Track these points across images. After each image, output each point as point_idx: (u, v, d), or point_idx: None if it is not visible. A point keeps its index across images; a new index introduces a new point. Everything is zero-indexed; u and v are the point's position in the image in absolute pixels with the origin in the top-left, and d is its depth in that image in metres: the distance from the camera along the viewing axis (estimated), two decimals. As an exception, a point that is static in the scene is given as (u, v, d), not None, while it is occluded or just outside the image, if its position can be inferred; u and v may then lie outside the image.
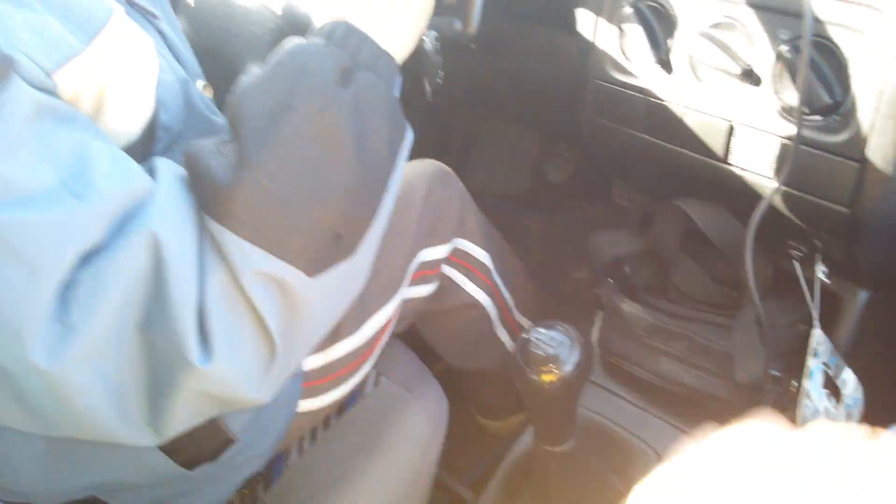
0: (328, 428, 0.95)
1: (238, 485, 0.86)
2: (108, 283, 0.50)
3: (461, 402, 1.43)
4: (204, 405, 0.56)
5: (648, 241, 0.98)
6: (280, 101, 0.56)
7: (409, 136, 0.64)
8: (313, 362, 0.87)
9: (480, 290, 1.08)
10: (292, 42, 0.60)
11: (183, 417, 0.56)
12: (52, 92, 0.53)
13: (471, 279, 1.07)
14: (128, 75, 0.61)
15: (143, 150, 0.64)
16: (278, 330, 0.55)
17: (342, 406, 0.97)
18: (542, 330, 0.70)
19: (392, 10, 0.65)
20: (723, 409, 0.90)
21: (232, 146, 0.56)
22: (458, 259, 1.06)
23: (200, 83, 0.79)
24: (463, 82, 1.14)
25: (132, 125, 0.63)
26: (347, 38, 0.61)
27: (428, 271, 1.02)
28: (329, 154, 0.56)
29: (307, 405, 0.89)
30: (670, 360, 0.92)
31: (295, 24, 0.89)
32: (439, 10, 0.94)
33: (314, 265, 0.56)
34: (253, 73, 0.61)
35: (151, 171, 0.57)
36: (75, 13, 0.57)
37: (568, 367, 0.67)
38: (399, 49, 0.66)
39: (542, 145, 1.61)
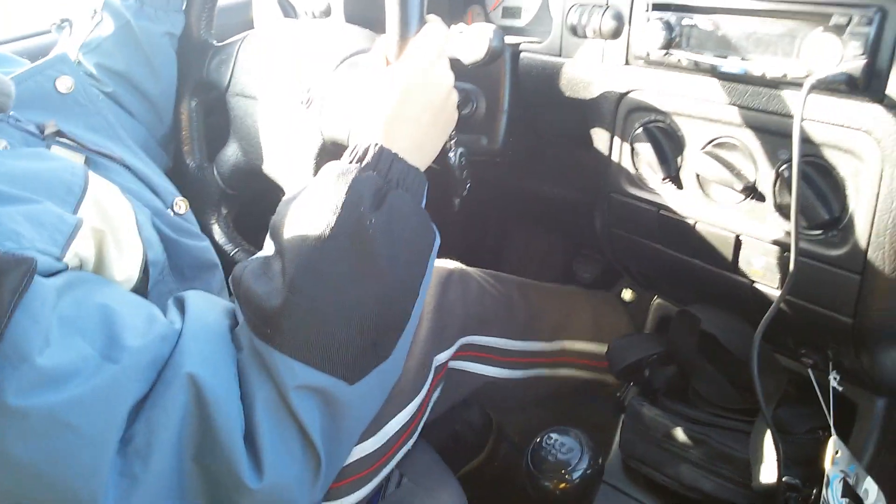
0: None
1: None
2: (159, 430, 0.54)
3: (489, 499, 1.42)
4: None
5: (667, 345, 1.00)
6: (319, 229, 0.62)
7: (436, 243, 0.70)
8: None
9: (496, 367, 1.10)
10: (329, 168, 0.67)
11: None
12: (62, 270, 0.57)
13: (484, 362, 1.09)
14: (113, 227, 0.65)
15: (141, 289, 0.69)
16: (323, 437, 0.60)
17: (365, 509, 0.99)
18: (553, 435, 0.72)
19: (420, 129, 0.71)
20: (743, 518, 0.89)
21: (276, 267, 0.62)
22: (467, 351, 1.08)
23: (177, 200, 0.85)
24: (491, 192, 1.21)
25: (131, 271, 0.67)
26: (380, 160, 0.67)
27: (439, 374, 1.05)
28: (365, 272, 0.61)
29: None
30: (689, 466, 0.92)
31: (336, 144, 0.97)
32: (467, 128, 1.02)
33: (354, 373, 0.61)
34: (293, 195, 0.67)
35: (181, 303, 0.63)
36: (57, 188, 0.62)
37: (577, 474, 0.68)
38: (426, 160, 0.72)
39: (572, 245, 1.65)
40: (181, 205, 0.86)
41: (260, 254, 0.67)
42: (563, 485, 0.68)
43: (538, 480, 0.69)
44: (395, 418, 0.94)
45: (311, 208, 0.64)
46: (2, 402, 0.49)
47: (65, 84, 0.80)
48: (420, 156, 0.71)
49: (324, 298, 0.60)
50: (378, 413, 0.93)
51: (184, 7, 1.13)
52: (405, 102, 0.71)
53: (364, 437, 0.92)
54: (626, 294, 1.34)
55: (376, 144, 0.68)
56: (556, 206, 1.19)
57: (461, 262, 1.15)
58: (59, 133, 0.73)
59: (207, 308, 0.64)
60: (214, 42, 1.16)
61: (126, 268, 0.67)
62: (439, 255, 1.12)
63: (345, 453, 0.66)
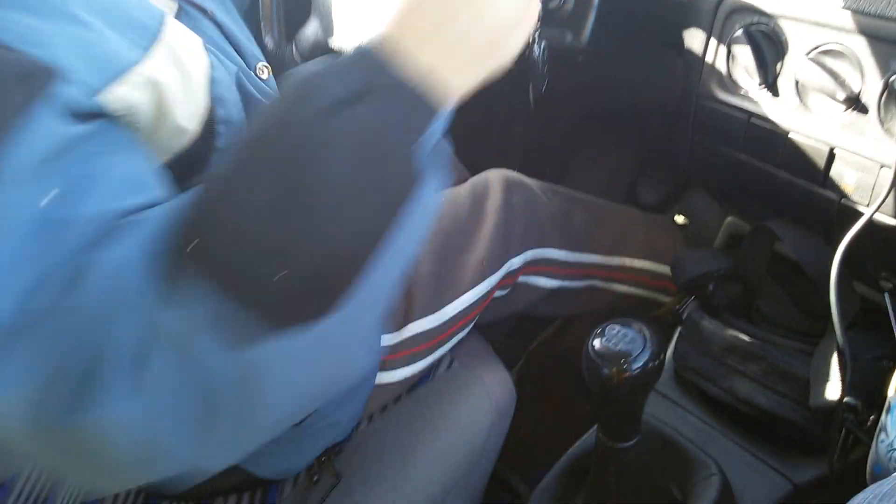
0: (398, 401, 1.00)
1: (318, 451, 0.91)
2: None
3: (529, 403, 1.45)
4: None
5: (735, 262, 0.98)
6: (253, 133, 0.50)
7: (423, 189, 0.50)
8: (388, 339, 0.93)
9: (556, 280, 1.11)
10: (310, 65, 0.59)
11: None
12: (95, 113, 0.50)
13: (548, 276, 1.11)
14: (181, 78, 0.59)
15: (205, 144, 0.63)
16: (224, 388, 0.46)
17: (414, 384, 1.02)
18: (616, 326, 0.71)
19: (467, 19, 0.51)
20: (793, 433, 0.89)
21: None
22: (537, 266, 1.09)
23: (261, 65, 0.81)
24: (566, 91, 1.18)
25: (189, 123, 0.61)
26: (365, 56, 0.50)
27: (510, 280, 1.06)
28: (294, 199, 0.47)
29: (384, 378, 0.94)
30: (745, 380, 0.92)
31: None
32: (552, 21, 0.99)
33: (276, 320, 0.46)
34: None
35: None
36: (129, 24, 0.55)
37: (638, 365, 0.67)
38: (468, 70, 0.52)
39: (637, 167, 1.62)
40: (264, 70, 0.85)
41: None
42: (621, 373, 0.67)
43: (596, 367, 0.68)
44: (455, 301, 0.96)
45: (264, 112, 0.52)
46: None
47: None
48: (456, 59, 0.51)
49: (244, 217, 0.46)
50: (440, 293, 0.96)
51: None
52: None
53: (421, 314, 0.94)
54: (679, 219, 1.30)
55: (381, 42, 0.50)
56: (632, 112, 1.16)
57: (523, 170, 1.15)
58: None
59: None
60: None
61: (182, 119, 0.60)
62: (500, 165, 1.12)
63: (257, 420, 0.50)
